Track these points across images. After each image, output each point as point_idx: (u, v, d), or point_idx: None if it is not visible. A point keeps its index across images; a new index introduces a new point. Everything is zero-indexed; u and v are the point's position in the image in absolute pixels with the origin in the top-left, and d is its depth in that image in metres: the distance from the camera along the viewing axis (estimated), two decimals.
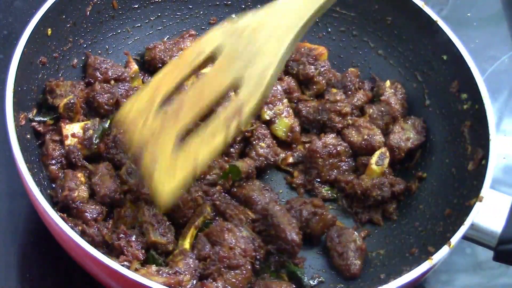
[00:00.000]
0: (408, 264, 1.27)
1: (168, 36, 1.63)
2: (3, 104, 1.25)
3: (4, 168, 1.48)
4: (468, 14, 1.92)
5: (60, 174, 1.35)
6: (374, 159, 1.45)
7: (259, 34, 1.18)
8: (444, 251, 1.21)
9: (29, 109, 1.36)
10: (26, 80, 1.33)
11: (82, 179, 1.34)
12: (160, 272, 1.21)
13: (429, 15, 1.49)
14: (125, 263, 1.23)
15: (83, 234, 1.26)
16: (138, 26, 1.60)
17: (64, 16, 1.44)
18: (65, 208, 1.31)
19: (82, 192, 1.32)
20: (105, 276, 1.18)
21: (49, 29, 1.40)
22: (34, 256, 1.39)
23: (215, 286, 1.22)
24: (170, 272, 1.22)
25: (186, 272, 1.23)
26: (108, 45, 1.56)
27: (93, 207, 1.31)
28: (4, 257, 1.39)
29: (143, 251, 1.27)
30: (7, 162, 1.35)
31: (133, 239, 1.27)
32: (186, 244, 1.30)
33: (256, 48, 1.17)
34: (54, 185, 1.34)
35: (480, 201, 1.25)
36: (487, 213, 1.25)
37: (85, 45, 1.51)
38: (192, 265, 1.24)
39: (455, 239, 1.21)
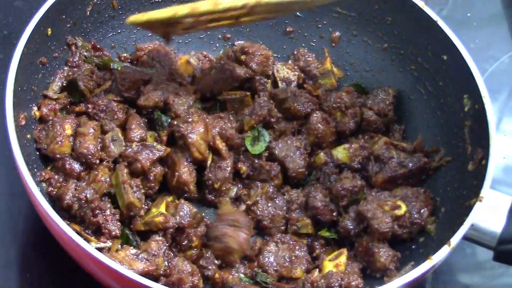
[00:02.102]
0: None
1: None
2: (3, 104, 1.25)
3: (4, 168, 1.48)
4: (468, 14, 1.92)
5: (49, 118, 1.38)
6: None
7: None
8: (444, 251, 1.21)
9: (29, 109, 1.36)
10: (26, 80, 1.34)
11: (69, 131, 1.36)
12: (140, 257, 1.25)
13: (429, 15, 1.49)
14: (108, 243, 1.28)
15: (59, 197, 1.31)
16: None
17: (64, 16, 1.44)
18: (48, 157, 1.35)
19: (66, 147, 1.35)
20: (105, 276, 1.18)
21: (49, 29, 1.40)
22: (34, 256, 1.39)
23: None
24: (147, 257, 1.25)
25: (160, 255, 1.27)
26: (108, 45, 1.56)
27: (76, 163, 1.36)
28: (4, 257, 1.39)
29: (119, 225, 1.30)
30: (7, 162, 1.35)
31: (108, 212, 1.30)
32: (162, 208, 1.34)
33: None
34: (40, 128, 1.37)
35: (480, 201, 1.25)
36: (487, 213, 1.25)
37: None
38: (162, 245, 1.29)
39: (455, 239, 1.21)
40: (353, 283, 1.28)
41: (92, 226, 1.29)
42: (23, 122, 1.32)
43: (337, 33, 1.64)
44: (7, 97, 1.25)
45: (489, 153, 1.30)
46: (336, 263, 1.34)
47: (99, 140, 1.37)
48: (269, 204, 1.42)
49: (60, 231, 1.14)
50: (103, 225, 1.29)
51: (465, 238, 1.25)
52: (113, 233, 1.29)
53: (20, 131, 1.28)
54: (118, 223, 1.30)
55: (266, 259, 1.35)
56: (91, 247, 1.12)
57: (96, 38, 1.54)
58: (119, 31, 1.58)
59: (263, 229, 1.42)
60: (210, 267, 1.31)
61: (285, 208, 1.43)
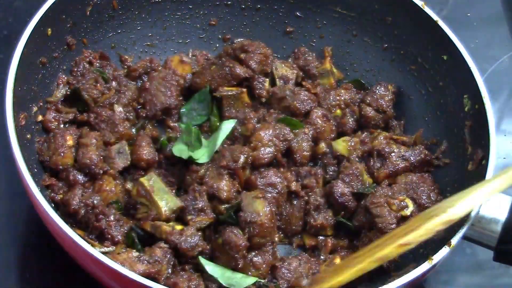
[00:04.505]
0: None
1: (167, 38, 1.64)
2: (3, 104, 1.25)
3: (4, 168, 1.48)
4: (468, 14, 1.92)
5: (52, 126, 1.39)
6: None
7: None
8: (444, 251, 1.21)
9: (29, 109, 1.36)
10: (26, 80, 1.33)
11: (70, 142, 1.36)
12: (141, 259, 1.24)
13: (429, 15, 1.49)
14: (111, 248, 1.27)
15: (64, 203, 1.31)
16: (138, 26, 1.60)
17: (64, 16, 1.44)
18: (51, 169, 1.35)
19: (68, 158, 1.35)
20: (105, 275, 1.18)
21: (49, 29, 1.40)
22: (34, 256, 1.39)
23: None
24: (151, 260, 1.24)
25: (164, 262, 1.26)
26: (108, 45, 1.56)
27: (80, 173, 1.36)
28: (4, 257, 1.39)
29: (122, 230, 1.29)
30: (7, 162, 1.35)
31: (112, 218, 1.29)
32: (179, 225, 1.33)
33: None
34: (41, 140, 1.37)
35: None
36: (487, 213, 1.25)
37: (84, 46, 1.52)
38: (167, 253, 1.27)
39: (455, 239, 1.22)
40: None
41: (95, 231, 1.29)
42: (23, 122, 1.32)
43: (330, 46, 1.64)
44: (7, 97, 1.25)
45: (489, 153, 1.30)
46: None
47: (101, 150, 1.38)
48: (287, 206, 1.42)
49: (60, 231, 1.14)
50: (106, 230, 1.28)
51: (465, 238, 1.25)
52: (116, 239, 1.28)
53: (20, 131, 1.28)
54: (122, 229, 1.30)
55: (284, 271, 1.34)
56: (90, 247, 1.12)
57: (96, 38, 1.54)
58: (119, 31, 1.58)
59: (280, 230, 1.42)
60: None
61: (302, 209, 1.42)
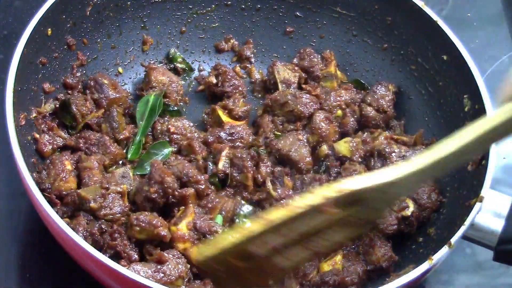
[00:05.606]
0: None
1: (168, 36, 1.63)
2: (3, 104, 1.25)
3: (4, 168, 1.48)
4: (468, 14, 1.92)
5: (46, 151, 1.36)
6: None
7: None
8: (444, 251, 1.21)
9: (29, 109, 1.36)
10: (26, 80, 1.34)
11: (69, 167, 1.34)
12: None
13: (429, 15, 1.49)
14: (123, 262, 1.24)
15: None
16: (138, 25, 1.60)
17: (64, 16, 1.44)
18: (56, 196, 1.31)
19: (71, 182, 1.32)
20: (105, 276, 1.18)
21: (49, 29, 1.40)
22: (34, 256, 1.39)
23: None
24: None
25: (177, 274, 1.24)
26: (108, 45, 1.56)
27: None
28: (4, 257, 1.39)
29: (137, 249, 1.27)
30: (7, 162, 1.35)
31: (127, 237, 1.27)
32: (184, 228, 1.30)
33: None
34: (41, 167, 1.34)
35: (480, 201, 1.25)
36: (487, 213, 1.25)
37: (84, 45, 1.52)
38: (181, 267, 1.25)
39: (455, 239, 1.22)
40: (348, 279, 1.30)
41: (110, 250, 1.25)
42: (23, 122, 1.32)
43: (328, 51, 1.64)
44: (7, 97, 1.25)
45: (489, 153, 1.30)
46: (331, 263, 1.34)
47: (104, 171, 1.36)
48: None
49: (60, 231, 1.14)
50: (121, 249, 1.25)
51: (465, 238, 1.25)
52: (133, 257, 1.25)
53: (20, 131, 1.28)
54: (137, 248, 1.27)
55: None
56: (91, 247, 1.12)
57: (96, 38, 1.54)
58: (119, 31, 1.57)
59: None
60: None
61: None
